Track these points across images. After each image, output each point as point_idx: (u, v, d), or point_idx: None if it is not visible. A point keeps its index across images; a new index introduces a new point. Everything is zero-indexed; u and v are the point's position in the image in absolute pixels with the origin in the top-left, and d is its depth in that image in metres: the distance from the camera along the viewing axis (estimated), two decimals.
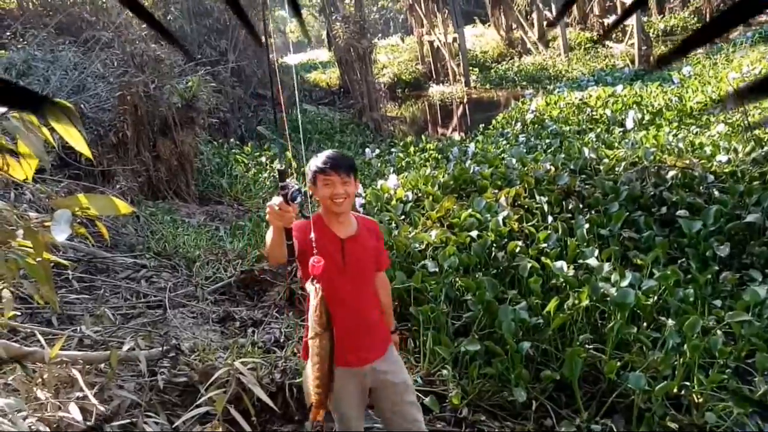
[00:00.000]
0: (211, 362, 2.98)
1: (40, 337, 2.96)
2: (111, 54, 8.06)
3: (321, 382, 1.84)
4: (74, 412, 2.25)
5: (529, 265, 3.92)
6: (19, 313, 3.49)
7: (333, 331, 1.89)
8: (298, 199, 1.85)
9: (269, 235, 2.01)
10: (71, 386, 2.65)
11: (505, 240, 4.49)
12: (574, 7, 24.46)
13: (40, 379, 2.54)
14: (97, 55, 7.83)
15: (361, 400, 2.35)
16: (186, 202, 7.59)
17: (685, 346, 3.16)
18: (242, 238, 5.83)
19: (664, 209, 4.77)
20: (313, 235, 2.00)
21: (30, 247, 1.52)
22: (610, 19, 22.80)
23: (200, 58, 12.64)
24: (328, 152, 2.23)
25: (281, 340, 3.90)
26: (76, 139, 1.54)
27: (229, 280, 4.85)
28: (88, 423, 2.26)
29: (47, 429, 2.18)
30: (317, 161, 2.20)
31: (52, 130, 1.54)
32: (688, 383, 3.13)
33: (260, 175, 8.84)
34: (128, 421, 2.40)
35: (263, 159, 9.59)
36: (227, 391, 1.62)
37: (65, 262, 1.65)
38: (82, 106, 6.80)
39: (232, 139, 10.89)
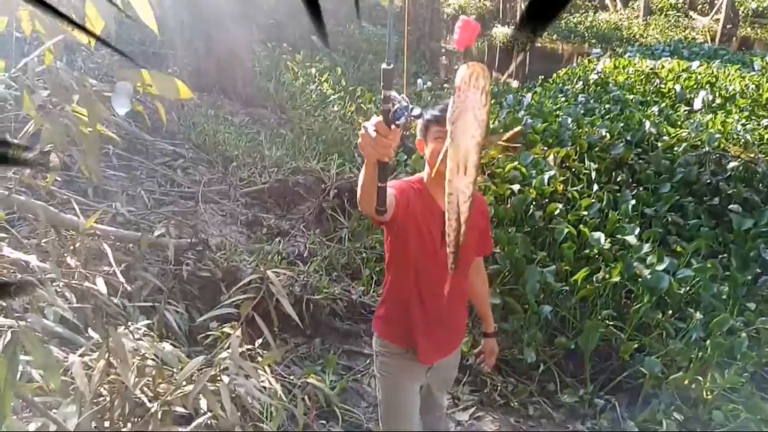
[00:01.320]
0: (236, 263, 3.01)
1: (75, 206, 3.00)
2: None
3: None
4: (100, 285, 2.30)
5: (565, 230, 3.82)
6: (58, 179, 3.55)
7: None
8: (402, 120, 1.33)
9: (362, 173, 1.56)
10: (100, 259, 2.71)
11: (546, 200, 4.37)
12: None
13: (71, 247, 2.59)
14: None
15: (417, 400, 2.09)
16: (230, 99, 7.52)
17: (708, 341, 3.09)
18: (281, 147, 5.79)
19: (716, 200, 4.56)
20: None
21: (84, 115, 1.48)
22: None
23: None
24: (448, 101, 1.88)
25: (305, 255, 3.93)
26: (144, 9, 1.47)
27: (262, 186, 4.86)
28: (112, 298, 2.31)
29: (73, 296, 2.23)
30: (433, 110, 1.84)
31: None
32: (701, 378, 3.08)
33: (308, 86, 8.68)
34: (150, 304, 2.45)
35: (313, 70, 9.39)
36: (255, 297, 1.61)
37: (115, 136, 1.62)
38: None
39: (285, 44, 10.63)
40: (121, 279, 2.37)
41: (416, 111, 1.36)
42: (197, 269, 2.96)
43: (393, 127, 1.36)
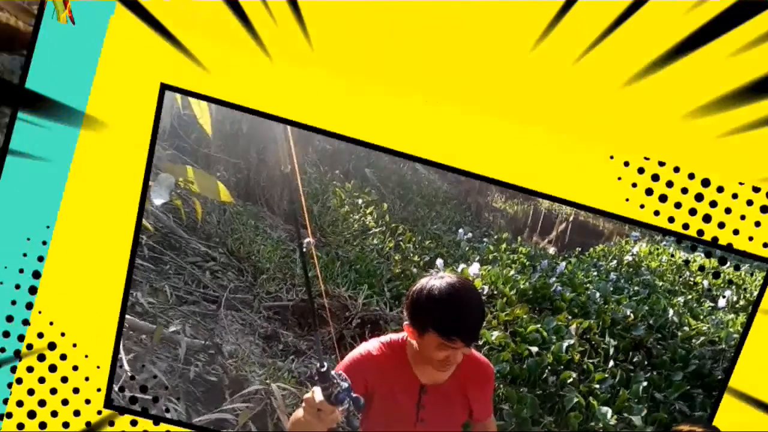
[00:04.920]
0: (245, 374, 3.04)
1: None
2: None
3: None
4: None
5: (575, 399, 3.80)
6: None
7: None
8: (346, 405, 1.26)
9: (297, 415, 1.39)
10: None
11: (561, 367, 4.36)
12: None
13: None
14: None
15: None
16: (273, 213, 7.88)
17: None
18: (314, 269, 5.98)
19: None
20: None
21: None
22: None
23: None
24: (460, 299, 1.38)
25: (316, 378, 3.90)
26: (202, 111, 1.61)
27: (287, 303, 4.97)
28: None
29: None
30: (444, 309, 1.37)
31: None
32: None
33: (351, 215, 9.06)
34: (151, 396, 2.49)
35: (360, 201, 9.84)
36: (255, 408, 1.64)
37: (149, 226, 1.77)
38: None
39: (337, 171, 11.26)
40: (126, 367, 2.44)
41: (361, 402, 1.28)
42: (205, 372, 3.01)
43: (335, 405, 1.27)
